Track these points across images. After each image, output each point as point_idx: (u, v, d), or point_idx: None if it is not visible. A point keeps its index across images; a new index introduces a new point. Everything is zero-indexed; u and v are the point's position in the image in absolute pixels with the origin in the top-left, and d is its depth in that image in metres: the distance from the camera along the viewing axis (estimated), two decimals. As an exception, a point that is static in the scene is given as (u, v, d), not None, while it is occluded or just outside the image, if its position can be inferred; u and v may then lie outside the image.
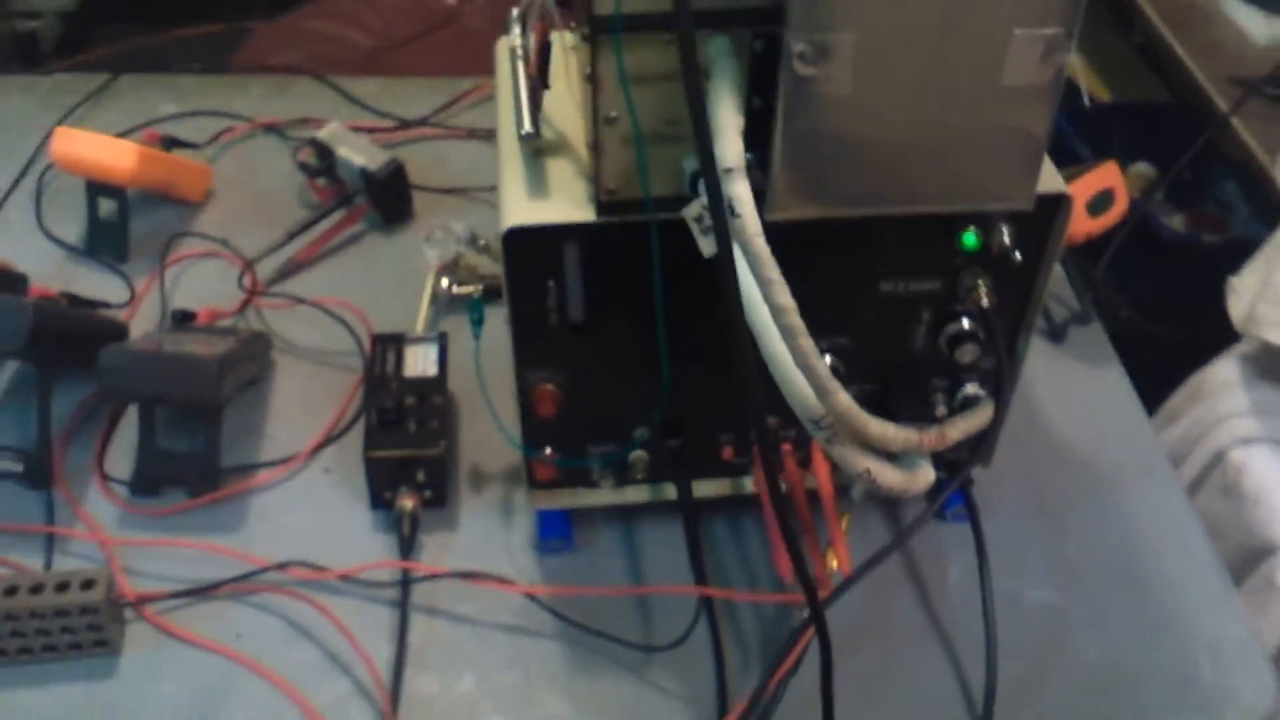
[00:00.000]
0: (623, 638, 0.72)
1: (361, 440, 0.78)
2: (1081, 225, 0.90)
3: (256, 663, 0.70)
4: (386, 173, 0.98)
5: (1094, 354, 0.94)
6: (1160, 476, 0.85)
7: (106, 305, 0.88)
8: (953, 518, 0.79)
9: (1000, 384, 0.69)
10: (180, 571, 0.74)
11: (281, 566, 0.74)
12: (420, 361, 0.83)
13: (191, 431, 0.79)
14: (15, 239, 0.97)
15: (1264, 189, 1.23)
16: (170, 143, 1.01)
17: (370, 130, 1.09)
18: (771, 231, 0.53)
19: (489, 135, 1.10)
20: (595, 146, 0.58)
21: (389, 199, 1.00)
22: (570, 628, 0.72)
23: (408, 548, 0.76)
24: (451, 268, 0.93)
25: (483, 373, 0.71)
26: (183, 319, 0.87)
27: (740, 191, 0.52)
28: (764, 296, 0.54)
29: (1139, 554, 0.79)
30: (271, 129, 1.10)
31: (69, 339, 0.78)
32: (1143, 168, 1.62)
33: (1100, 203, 0.92)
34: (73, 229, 0.98)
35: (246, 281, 0.92)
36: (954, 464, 0.72)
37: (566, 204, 0.62)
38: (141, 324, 0.90)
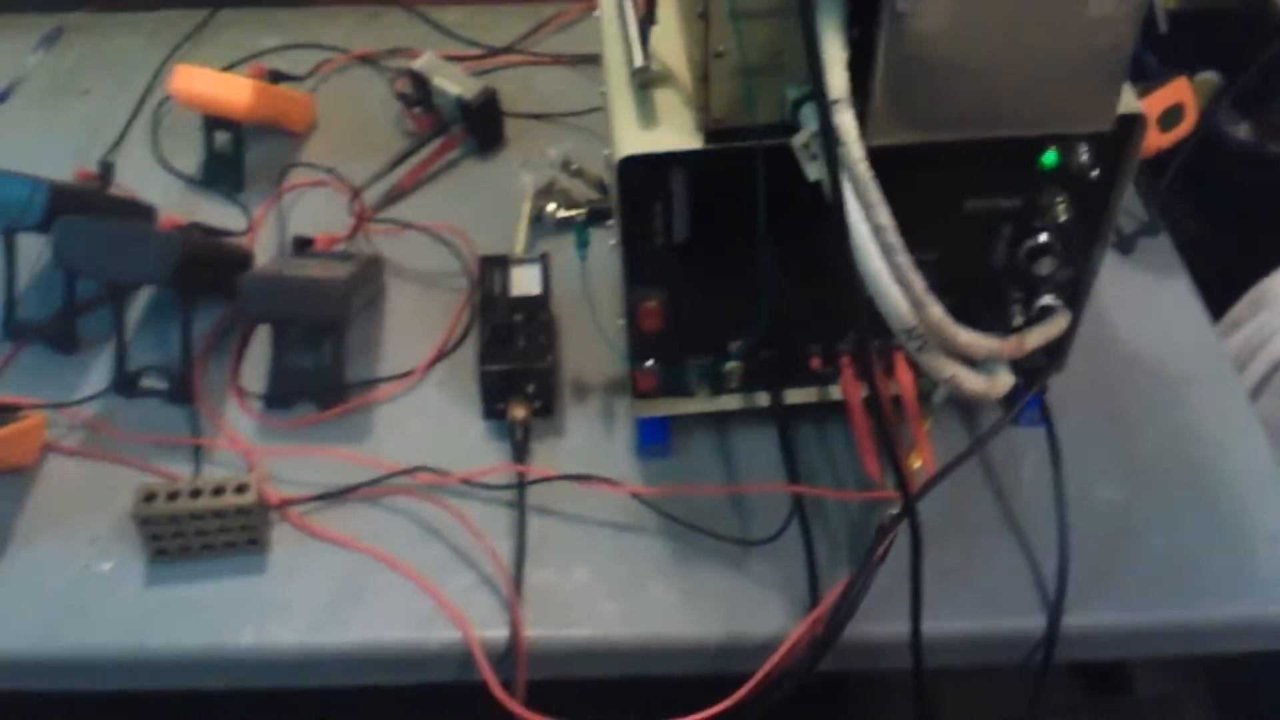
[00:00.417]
0: (721, 534, 0.78)
1: (474, 355, 0.83)
2: (1152, 140, 0.93)
3: (391, 557, 0.77)
4: (481, 100, 1.03)
5: (1161, 264, 0.97)
6: (1223, 381, 0.89)
7: (230, 233, 0.94)
8: (1027, 422, 0.83)
9: (1075, 294, 0.74)
10: (315, 477, 0.81)
11: (408, 471, 0.81)
12: (525, 281, 0.88)
13: (317, 349, 0.86)
14: (137, 171, 1.03)
15: (1332, 98, 1.24)
16: (276, 76, 1.06)
17: (460, 59, 1.13)
18: (868, 156, 0.58)
19: (574, 61, 1.14)
20: (704, 78, 0.63)
21: (484, 126, 1.05)
22: (673, 524, 0.78)
23: (521, 453, 0.82)
24: (547, 192, 0.98)
25: (588, 291, 0.76)
26: (302, 245, 0.93)
27: (846, 121, 0.56)
28: (866, 217, 0.58)
29: (1203, 454, 0.83)
30: (367, 59, 1.15)
31: (206, 267, 0.84)
32: (1209, 76, 1.62)
33: (1170, 117, 0.94)
34: (190, 161, 1.04)
35: (356, 208, 0.97)
36: (1030, 371, 0.77)
37: (675, 133, 0.66)
38: (262, 250, 0.96)
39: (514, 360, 0.83)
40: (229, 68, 1.12)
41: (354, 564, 0.77)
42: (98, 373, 0.87)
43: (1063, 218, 0.69)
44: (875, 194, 0.57)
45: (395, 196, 1.01)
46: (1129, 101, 0.67)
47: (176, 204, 1.00)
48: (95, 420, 0.84)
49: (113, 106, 1.10)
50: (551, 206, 0.96)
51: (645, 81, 0.69)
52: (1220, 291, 1.13)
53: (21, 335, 0.88)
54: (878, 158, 0.58)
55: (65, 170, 0.97)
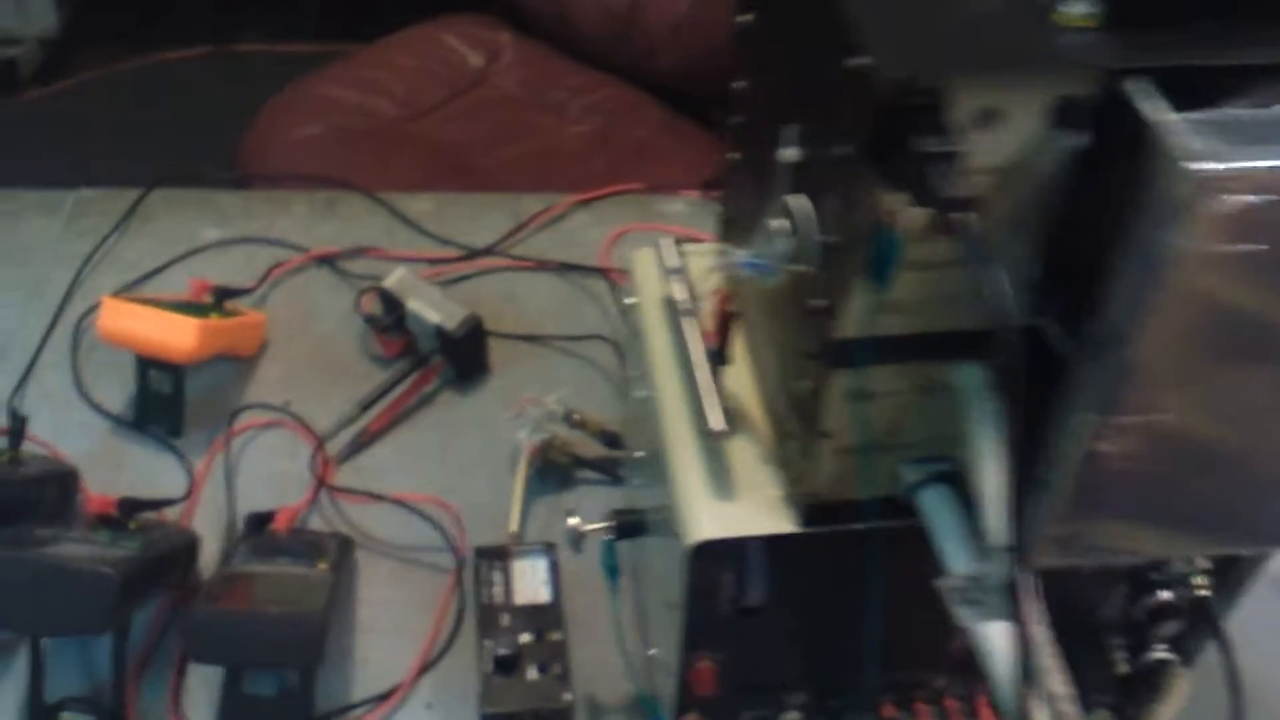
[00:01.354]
0: None
1: (465, 665, 0.69)
2: None
3: None
4: (465, 330, 0.88)
5: None
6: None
7: (167, 502, 0.78)
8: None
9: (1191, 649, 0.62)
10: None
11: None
12: (530, 583, 0.74)
13: (280, 674, 0.70)
14: (53, 405, 0.86)
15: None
16: (222, 294, 0.90)
17: (433, 260, 0.99)
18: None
19: (562, 268, 1.00)
20: (804, 454, 0.50)
21: (466, 355, 0.90)
22: None
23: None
24: (545, 448, 0.84)
25: (621, 627, 0.62)
26: (259, 523, 0.77)
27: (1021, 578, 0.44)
28: (1034, 678, 0.45)
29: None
30: (325, 260, 1.00)
31: (144, 580, 0.68)
32: None
33: None
34: (117, 394, 0.87)
35: (318, 466, 0.82)
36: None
37: (761, 508, 0.53)
38: (207, 517, 0.80)
39: (523, 699, 0.68)
40: (165, 267, 0.96)
41: None
42: (5, 703, 0.70)
43: (1205, 592, 0.58)
44: (1051, 659, 0.45)
45: (364, 442, 0.86)
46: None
47: (100, 449, 0.83)
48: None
49: (21, 319, 0.93)
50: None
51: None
52: None
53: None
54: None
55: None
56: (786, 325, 0.51)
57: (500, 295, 0.98)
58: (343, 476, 0.84)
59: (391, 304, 0.91)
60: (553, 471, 0.85)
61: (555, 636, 0.71)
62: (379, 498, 0.81)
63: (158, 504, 0.77)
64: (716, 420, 0.53)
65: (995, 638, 0.46)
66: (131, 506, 0.75)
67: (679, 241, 0.62)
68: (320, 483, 0.82)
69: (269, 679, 0.70)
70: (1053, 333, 0.44)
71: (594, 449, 0.86)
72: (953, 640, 0.64)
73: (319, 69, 1.58)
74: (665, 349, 0.60)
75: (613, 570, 0.66)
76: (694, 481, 0.54)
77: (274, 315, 0.94)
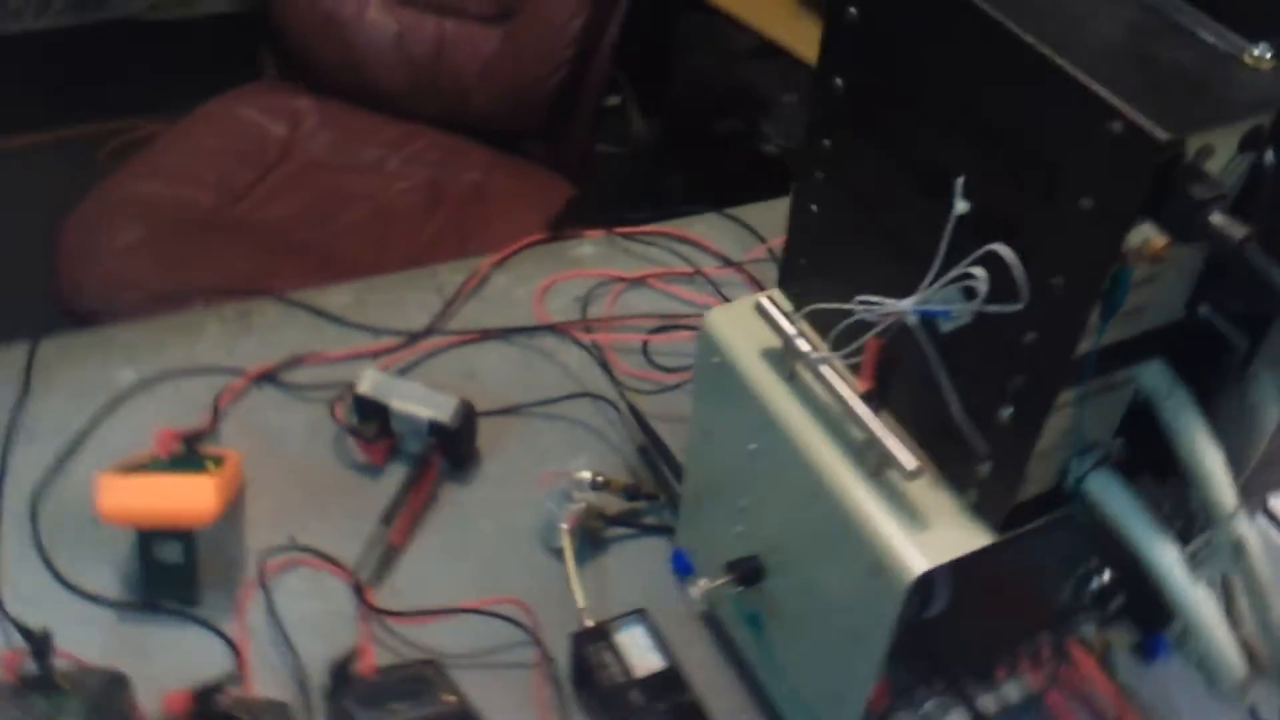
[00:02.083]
0: None
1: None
2: None
3: None
4: (460, 419, 0.86)
5: None
6: None
7: (220, 688, 0.71)
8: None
9: None
10: None
11: None
12: (640, 651, 0.73)
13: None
14: (37, 606, 0.76)
15: None
16: (191, 438, 0.82)
17: (377, 354, 0.95)
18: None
19: (502, 334, 0.98)
20: (1002, 472, 0.54)
21: (461, 444, 0.87)
22: None
23: None
24: (583, 517, 0.83)
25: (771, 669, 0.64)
26: (342, 674, 0.72)
27: (1248, 533, 0.50)
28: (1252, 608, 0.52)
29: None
30: (265, 378, 0.93)
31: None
32: None
33: None
34: (106, 575, 0.78)
35: (362, 609, 0.77)
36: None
37: (953, 530, 0.56)
38: (272, 681, 0.73)
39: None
40: (95, 426, 0.87)
41: None
42: None
43: None
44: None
45: (388, 560, 0.82)
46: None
47: (119, 644, 0.74)
48: None
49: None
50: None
51: (876, 469, 0.58)
52: None
53: None
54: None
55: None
56: (967, 360, 0.54)
57: (459, 374, 0.96)
58: (382, 599, 0.80)
59: (369, 408, 0.87)
60: (583, 537, 0.85)
61: (688, 697, 0.71)
62: (449, 611, 0.78)
63: (216, 688, 0.70)
64: (909, 460, 0.55)
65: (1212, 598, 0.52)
66: (206, 695, 0.68)
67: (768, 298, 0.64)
68: (371, 609, 0.77)
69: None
70: (1223, 325, 0.50)
71: (616, 505, 0.86)
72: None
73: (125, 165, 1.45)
74: (787, 398, 0.62)
75: (754, 618, 0.67)
76: (883, 519, 0.57)
77: (237, 448, 0.87)
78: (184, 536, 0.75)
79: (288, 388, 0.93)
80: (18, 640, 0.70)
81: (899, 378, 0.59)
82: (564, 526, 0.82)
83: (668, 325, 1.01)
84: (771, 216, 1.14)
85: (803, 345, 0.60)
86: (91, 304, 1.25)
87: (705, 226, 1.12)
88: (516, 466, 0.89)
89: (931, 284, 0.52)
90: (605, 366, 0.96)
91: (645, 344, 0.99)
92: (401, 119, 1.54)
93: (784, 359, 0.63)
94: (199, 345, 0.95)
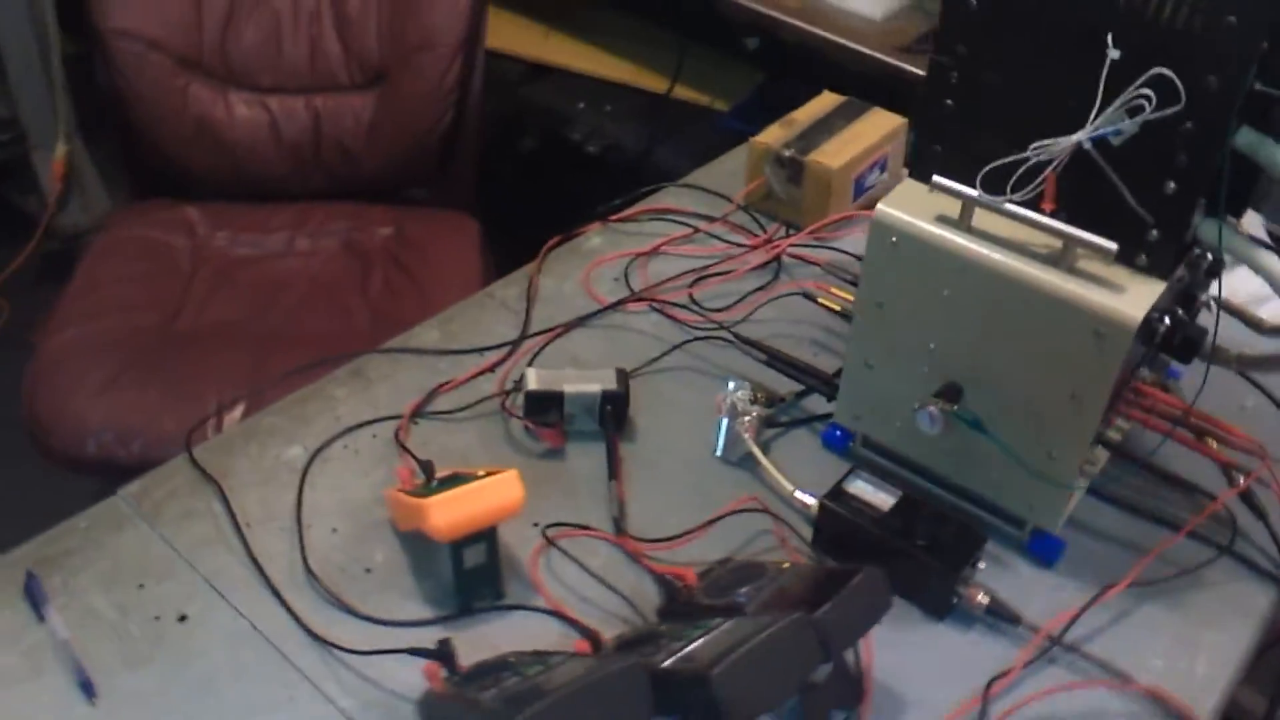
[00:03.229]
0: None
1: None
2: None
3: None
4: (623, 384, 0.98)
5: None
6: None
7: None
8: None
9: None
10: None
11: None
12: (871, 492, 0.90)
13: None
14: (367, 646, 0.81)
15: None
16: (428, 466, 0.89)
17: (494, 367, 1.04)
18: None
19: (580, 321, 1.11)
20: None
21: (624, 406, 0.99)
22: None
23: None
24: (757, 423, 0.98)
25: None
26: (671, 591, 0.83)
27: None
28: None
29: None
30: (419, 414, 1.00)
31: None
32: None
33: None
34: (408, 604, 0.84)
35: (629, 545, 0.89)
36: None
37: (1137, 285, 0.78)
38: (608, 625, 0.83)
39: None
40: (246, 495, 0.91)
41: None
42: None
43: None
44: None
45: (623, 509, 0.93)
46: None
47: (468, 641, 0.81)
48: None
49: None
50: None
51: (1070, 264, 0.79)
52: None
53: None
54: None
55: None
56: (1133, 161, 0.75)
57: (567, 362, 1.07)
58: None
59: (542, 400, 0.97)
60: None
61: (933, 508, 0.89)
62: (707, 524, 0.91)
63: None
64: (1107, 243, 0.76)
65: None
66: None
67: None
68: (639, 543, 0.89)
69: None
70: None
71: (763, 412, 1.02)
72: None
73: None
74: (975, 244, 0.81)
75: (976, 421, 0.86)
76: (1092, 293, 0.77)
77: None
78: (487, 536, 0.84)
79: (441, 416, 1.01)
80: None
81: (1071, 197, 0.79)
82: (747, 436, 0.97)
83: (702, 276, 1.17)
84: (711, 176, 1.32)
85: (985, 196, 0.80)
86: (100, 449, 1.22)
87: (673, 198, 1.29)
88: (659, 416, 1.02)
89: (1098, 115, 0.73)
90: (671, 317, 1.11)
91: (690, 296, 1.15)
92: (285, 202, 1.57)
93: (960, 219, 0.82)
94: (341, 408, 1.01)
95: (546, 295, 1.15)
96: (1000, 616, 0.86)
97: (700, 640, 0.71)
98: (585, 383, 0.98)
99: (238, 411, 1.28)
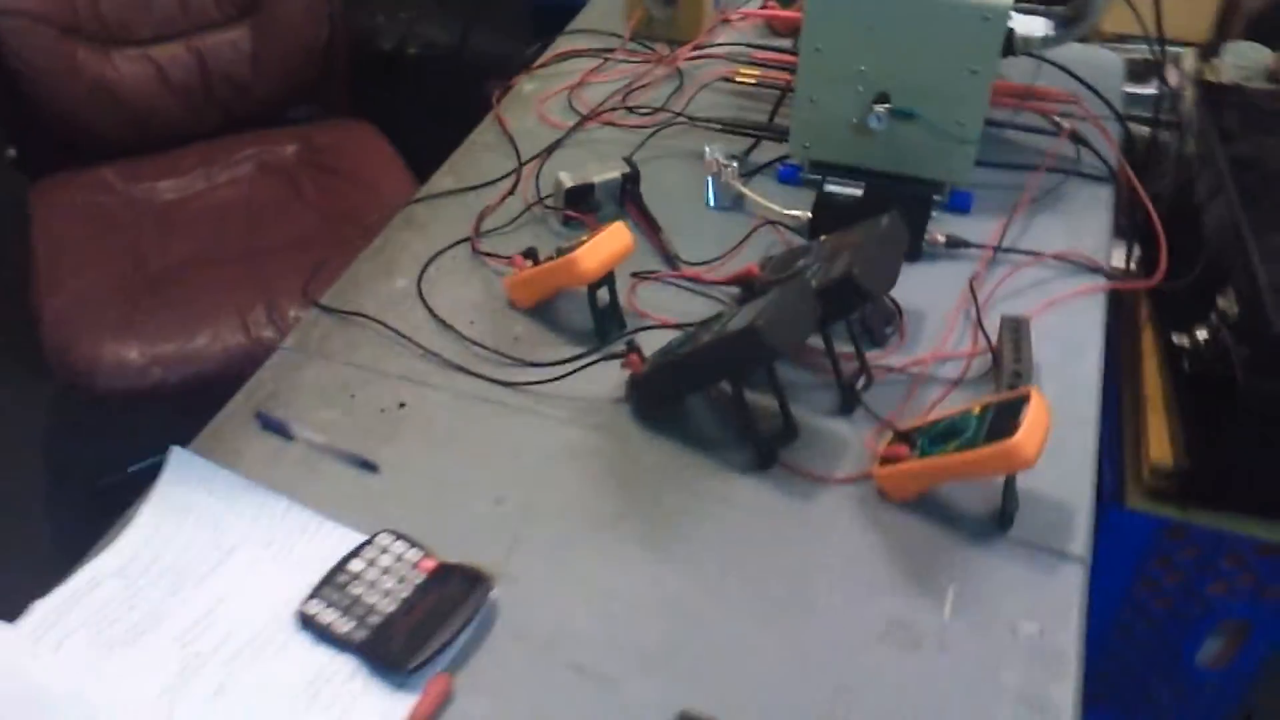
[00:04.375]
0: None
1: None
2: None
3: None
4: (635, 169, 1.22)
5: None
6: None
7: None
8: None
9: None
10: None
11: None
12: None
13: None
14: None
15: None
16: (532, 251, 1.10)
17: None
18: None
19: (557, 143, 1.33)
20: None
21: (638, 188, 1.23)
22: None
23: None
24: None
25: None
26: (750, 287, 1.09)
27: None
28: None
29: None
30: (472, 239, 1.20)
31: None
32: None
33: None
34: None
35: (678, 264, 1.15)
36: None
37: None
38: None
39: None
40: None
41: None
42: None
43: None
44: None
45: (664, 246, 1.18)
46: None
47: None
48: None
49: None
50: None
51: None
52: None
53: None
54: None
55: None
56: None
57: (576, 161, 1.29)
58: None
59: (577, 193, 1.20)
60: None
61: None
62: (735, 249, 1.19)
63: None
64: None
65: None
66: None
67: None
68: (686, 264, 1.15)
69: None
70: None
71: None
72: None
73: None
74: None
75: (909, 111, 1.17)
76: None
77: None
78: (609, 280, 1.07)
79: (495, 232, 1.22)
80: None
81: None
82: (735, 182, 1.25)
83: (630, 91, 1.42)
84: (591, 19, 1.57)
85: None
86: (144, 379, 1.31)
87: (570, 43, 1.52)
88: (653, 192, 1.26)
89: None
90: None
91: (627, 108, 1.40)
92: (177, 145, 1.65)
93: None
94: (415, 246, 1.20)
95: (513, 133, 1.36)
96: (957, 245, 1.19)
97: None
98: (606, 173, 1.22)
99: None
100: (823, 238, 1.13)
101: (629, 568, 0.88)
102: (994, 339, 1.06)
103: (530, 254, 1.12)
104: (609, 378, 1.03)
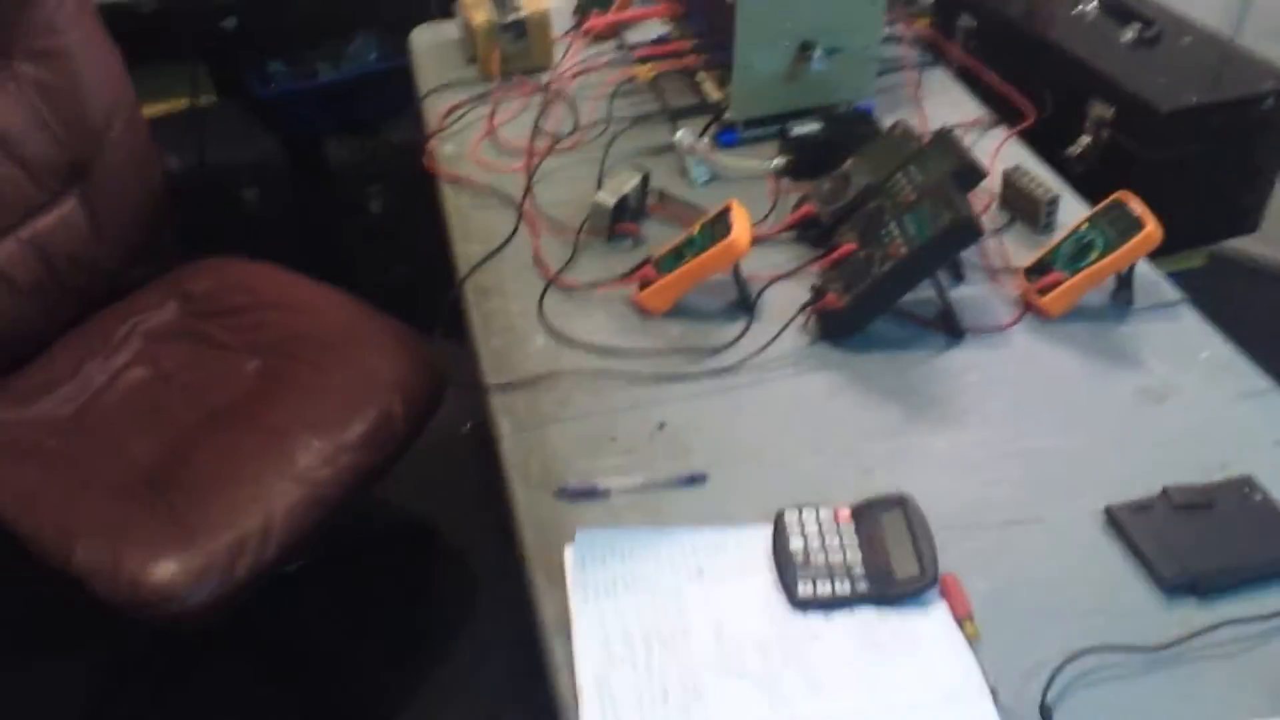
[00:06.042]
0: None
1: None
2: None
3: None
4: (644, 170, 1.30)
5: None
6: None
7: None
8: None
9: None
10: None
11: None
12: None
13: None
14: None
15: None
16: (650, 258, 1.15)
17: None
18: None
19: (532, 182, 1.36)
20: None
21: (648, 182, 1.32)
22: None
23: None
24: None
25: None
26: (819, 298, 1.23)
27: None
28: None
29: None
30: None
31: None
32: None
33: None
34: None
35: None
36: None
37: None
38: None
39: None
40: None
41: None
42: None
43: None
44: None
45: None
46: None
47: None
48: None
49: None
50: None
51: None
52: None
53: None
54: None
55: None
56: None
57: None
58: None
59: (619, 207, 1.26)
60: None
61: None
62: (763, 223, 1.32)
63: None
64: None
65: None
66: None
67: None
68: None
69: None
70: None
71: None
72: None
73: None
74: None
75: (835, 48, 1.36)
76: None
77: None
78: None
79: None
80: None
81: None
82: (715, 155, 1.37)
83: (539, 122, 1.47)
84: (438, 74, 1.59)
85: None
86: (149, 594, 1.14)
87: (444, 100, 1.52)
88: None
89: None
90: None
91: (554, 138, 1.45)
92: (36, 352, 1.39)
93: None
94: (511, 305, 1.19)
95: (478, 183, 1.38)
96: (899, 140, 1.42)
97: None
98: (626, 184, 1.28)
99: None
100: (848, 161, 1.30)
101: (948, 442, 1.04)
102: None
103: (653, 263, 1.18)
104: (770, 333, 1.14)
